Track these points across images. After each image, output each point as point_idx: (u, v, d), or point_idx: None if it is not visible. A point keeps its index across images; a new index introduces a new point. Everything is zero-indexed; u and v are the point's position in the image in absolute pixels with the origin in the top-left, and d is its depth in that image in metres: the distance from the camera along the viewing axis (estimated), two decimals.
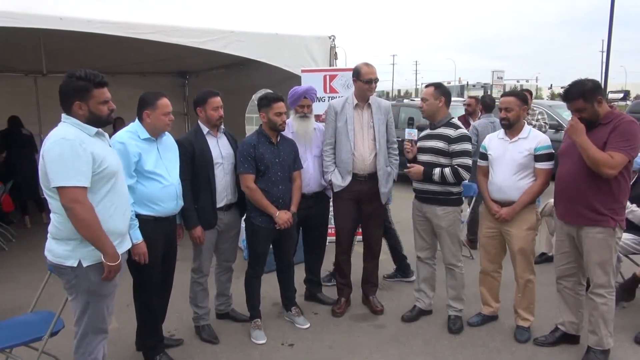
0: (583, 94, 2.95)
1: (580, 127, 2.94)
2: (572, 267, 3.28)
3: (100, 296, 2.46)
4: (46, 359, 2.98)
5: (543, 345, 3.43)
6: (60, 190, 2.26)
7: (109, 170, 2.40)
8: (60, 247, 2.38)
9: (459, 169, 3.47)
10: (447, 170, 3.48)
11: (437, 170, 3.49)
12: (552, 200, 4.97)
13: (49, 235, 2.44)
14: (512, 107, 3.42)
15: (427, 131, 3.69)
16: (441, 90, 3.60)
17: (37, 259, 2.53)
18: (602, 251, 3.03)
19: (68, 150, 2.25)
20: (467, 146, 3.53)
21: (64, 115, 2.39)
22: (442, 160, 3.54)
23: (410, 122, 3.71)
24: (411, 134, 3.63)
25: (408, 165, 3.62)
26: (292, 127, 3.84)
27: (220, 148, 3.46)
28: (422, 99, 3.66)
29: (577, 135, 2.94)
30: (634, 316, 3.80)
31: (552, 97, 55.30)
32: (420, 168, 3.53)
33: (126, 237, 2.64)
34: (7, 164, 7.04)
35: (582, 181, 3.00)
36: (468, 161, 3.51)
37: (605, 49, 21.34)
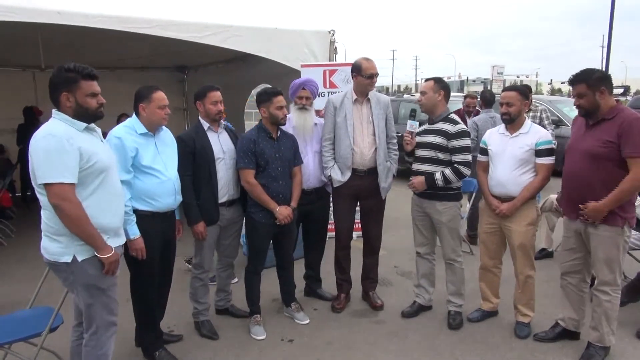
0: (587, 80, 2.93)
1: (600, 211, 2.93)
2: (577, 263, 3.25)
3: (100, 290, 2.45)
4: (45, 354, 2.97)
5: (543, 341, 3.42)
6: (47, 187, 2.25)
7: (98, 166, 2.38)
8: (53, 244, 2.37)
9: (459, 167, 3.46)
10: (447, 171, 3.47)
11: (438, 175, 3.48)
12: (552, 196, 4.97)
13: (42, 232, 2.43)
14: (513, 102, 3.40)
15: (426, 126, 3.67)
16: (441, 85, 3.58)
17: (36, 255, 2.52)
18: (609, 249, 3.00)
19: (54, 146, 2.23)
20: (466, 142, 3.52)
21: (54, 111, 2.38)
22: (441, 155, 3.52)
23: (413, 114, 3.69)
24: (412, 125, 3.62)
25: (410, 179, 3.61)
26: (292, 120, 3.82)
27: (221, 143, 3.45)
28: (421, 92, 3.64)
29: (599, 213, 2.94)
30: (633, 311, 3.79)
31: (552, 92, 55.20)
32: (421, 178, 3.52)
33: (119, 233, 2.62)
34: (20, 156, 7.28)
35: (590, 178, 2.97)
36: (468, 157, 3.50)
37: (605, 44, 21.30)
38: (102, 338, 2.50)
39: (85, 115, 2.40)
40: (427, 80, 3.68)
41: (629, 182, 2.86)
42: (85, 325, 2.52)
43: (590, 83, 2.92)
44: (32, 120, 7.57)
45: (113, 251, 2.44)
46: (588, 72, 2.98)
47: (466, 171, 3.49)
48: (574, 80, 3.00)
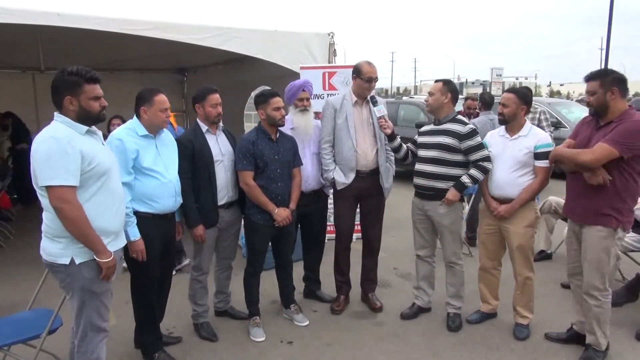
0: (602, 78, 2.91)
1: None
2: (579, 265, 3.22)
3: (94, 294, 2.45)
4: (44, 356, 2.97)
5: (553, 340, 3.43)
6: (48, 189, 2.26)
7: (99, 169, 2.38)
8: (53, 245, 2.38)
9: (482, 163, 3.46)
10: (472, 171, 3.48)
11: (465, 179, 3.48)
12: (551, 198, 4.98)
13: (42, 233, 2.43)
14: (509, 104, 3.41)
15: (431, 127, 3.67)
16: (449, 87, 3.59)
17: (35, 256, 2.53)
18: (598, 252, 2.98)
19: (56, 149, 2.24)
20: (479, 139, 3.52)
21: (56, 114, 2.39)
22: (449, 156, 3.51)
23: (374, 101, 3.68)
24: (380, 110, 3.62)
25: (443, 200, 3.54)
26: (292, 122, 3.82)
27: (219, 145, 3.44)
28: (429, 93, 3.66)
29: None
30: (632, 313, 3.79)
31: (551, 94, 55.25)
32: (453, 190, 3.50)
33: (120, 235, 2.62)
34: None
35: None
36: (486, 152, 3.49)
37: (604, 46, 21.35)
38: (92, 343, 2.49)
39: (89, 118, 2.41)
40: (436, 81, 3.69)
41: (582, 152, 2.94)
42: (75, 329, 2.51)
43: (604, 81, 2.90)
44: (19, 122, 7.86)
45: (112, 256, 2.44)
46: (604, 71, 2.98)
47: (489, 165, 3.48)
48: (589, 77, 2.99)
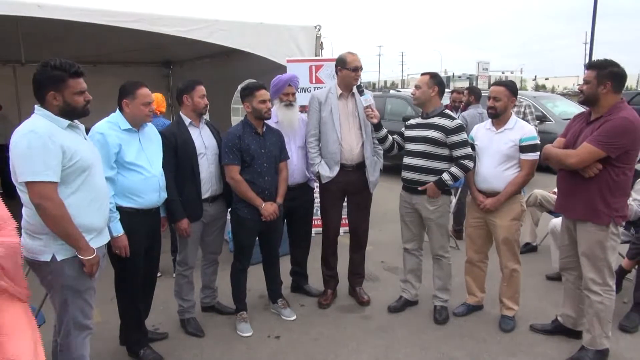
0: (600, 69, 2.88)
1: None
2: (572, 260, 3.23)
3: (76, 291, 2.41)
4: None
5: (538, 332, 3.46)
6: (28, 185, 2.21)
7: (80, 164, 2.33)
8: (33, 241, 2.33)
9: (464, 161, 3.46)
10: (453, 169, 3.47)
11: (446, 176, 3.47)
12: (537, 191, 5.02)
13: (22, 230, 2.37)
14: (500, 97, 3.41)
15: (419, 120, 3.65)
16: (436, 80, 3.57)
17: None
18: (593, 247, 2.97)
19: (36, 144, 2.18)
20: (465, 135, 3.51)
21: (36, 107, 2.33)
22: (436, 150, 3.50)
23: (360, 90, 3.66)
24: (366, 99, 3.60)
25: (420, 188, 3.56)
26: (277, 116, 3.79)
27: (203, 138, 3.41)
28: (416, 86, 3.62)
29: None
30: (616, 304, 3.82)
31: (537, 88, 55.81)
32: (432, 186, 3.50)
33: (103, 232, 2.57)
34: None
35: (578, 174, 2.95)
36: (469, 150, 3.50)
37: (588, 40, 21.57)
38: (75, 341, 2.45)
39: (73, 113, 2.36)
40: (423, 74, 3.65)
41: (568, 154, 2.96)
42: (58, 327, 2.46)
43: (599, 73, 2.87)
44: None
45: (95, 253, 2.40)
46: (604, 63, 2.91)
47: (470, 164, 3.48)
48: (589, 66, 2.97)
